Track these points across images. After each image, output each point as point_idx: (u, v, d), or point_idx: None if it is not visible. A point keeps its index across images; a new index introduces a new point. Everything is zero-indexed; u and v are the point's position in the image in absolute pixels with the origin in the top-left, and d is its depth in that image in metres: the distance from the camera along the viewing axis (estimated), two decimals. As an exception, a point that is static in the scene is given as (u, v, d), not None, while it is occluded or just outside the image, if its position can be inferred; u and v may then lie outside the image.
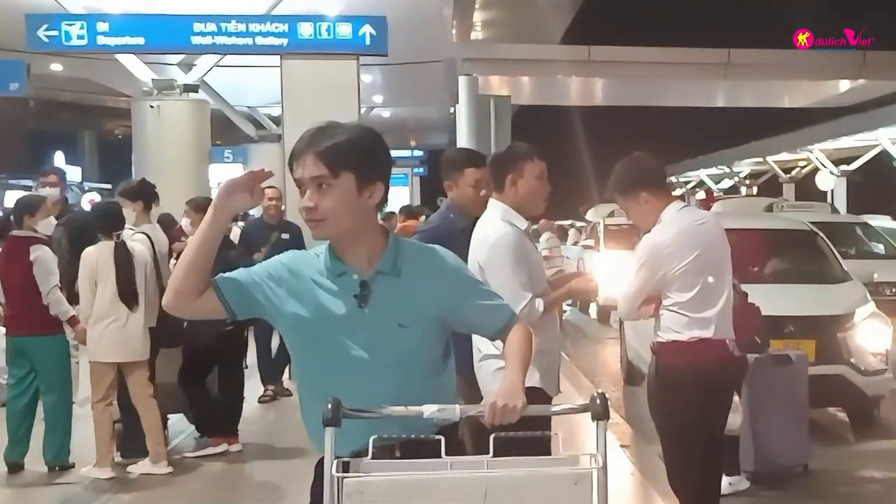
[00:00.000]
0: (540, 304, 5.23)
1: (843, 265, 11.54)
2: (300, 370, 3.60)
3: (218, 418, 9.50)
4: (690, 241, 5.68)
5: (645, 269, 5.76)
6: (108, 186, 28.36)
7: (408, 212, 16.88)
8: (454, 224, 5.95)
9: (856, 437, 10.60)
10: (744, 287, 9.78)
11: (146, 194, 9.52)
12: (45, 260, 8.72)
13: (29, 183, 30.52)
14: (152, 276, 8.74)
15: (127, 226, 8.92)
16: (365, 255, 3.42)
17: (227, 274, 3.50)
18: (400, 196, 34.95)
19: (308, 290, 3.43)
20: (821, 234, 12.04)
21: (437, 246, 3.63)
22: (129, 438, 8.88)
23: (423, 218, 14.57)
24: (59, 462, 8.80)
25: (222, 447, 9.28)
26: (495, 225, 5.31)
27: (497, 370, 5.33)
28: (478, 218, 5.72)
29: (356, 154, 3.35)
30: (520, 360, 3.48)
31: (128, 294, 8.46)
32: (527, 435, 3.25)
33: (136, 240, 8.79)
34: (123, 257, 8.47)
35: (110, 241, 8.49)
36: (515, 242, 5.24)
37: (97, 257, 8.48)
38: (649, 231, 5.87)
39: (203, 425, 9.54)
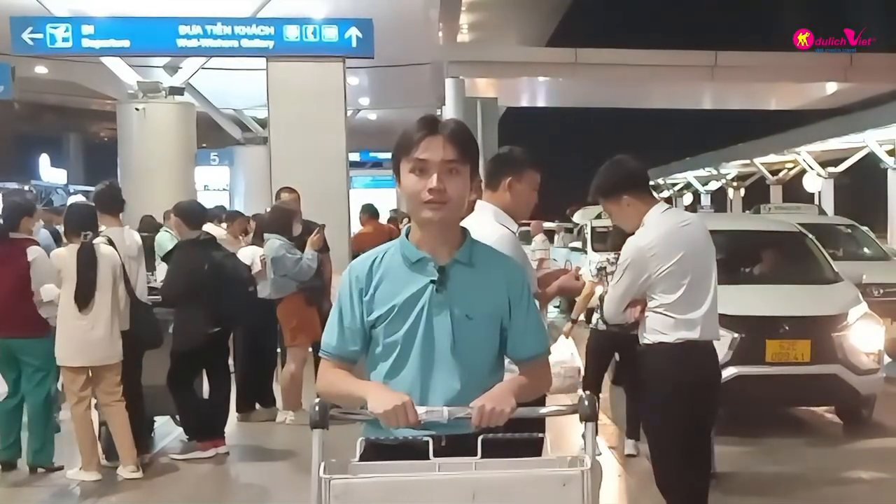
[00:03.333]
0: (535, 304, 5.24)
1: (833, 266, 11.68)
2: (372, 363, 3.61)
3: (206, 421, 9.48)
4: (675, 243, 5.69)
5: (630, 272, 5.78)
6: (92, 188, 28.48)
7: (370, 212, 16.51)
8: None
9: (846, 436, 10.66)
10: (740, 287, 10.29)
11: (102, 198, 9.36)
12: (43, 261, 8.73)
13: (15, 185, 30.50)
14: (121, 279, 8.70)
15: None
16: (447, 246, 3.50)
17: (332, 343, 3.59)
18: (387, 198, 34.91)
19: (383, 289, 3.50)
20: (810, 235, 12.17)
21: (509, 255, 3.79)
22: (111, 441, 8.86)
23: (405, 221, 14.48)
24: (39, 463, 8.81)
25: (211, 452, 9.26)
26: (491, 226, 5.27)
27: None
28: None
29: (475, 146, 3.50)
30: (520, 384, 3.51)
31: (81, 295, 8.38)
32: (515, 437, 3.26)
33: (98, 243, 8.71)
34: (85, 259, 8.41)
35: (77, 244, 8.46)
36: (514, 244, 5.24)
37: (66, 258, 8.46)
38: (633, 233, 5.89)
39: (191, 428, 9.51)
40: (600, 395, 9.44)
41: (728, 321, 9.58)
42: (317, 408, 3.22)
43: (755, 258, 11.80)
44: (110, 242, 8.75)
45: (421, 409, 3.28)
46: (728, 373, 9.56)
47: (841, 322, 10.20)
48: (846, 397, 10.44)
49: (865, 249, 17.12)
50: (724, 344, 9.57)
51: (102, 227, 8.97)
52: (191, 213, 9.72)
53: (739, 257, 11.55)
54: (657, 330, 5.76)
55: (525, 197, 5.41)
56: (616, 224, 6.29)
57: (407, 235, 3.56)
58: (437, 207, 3.38)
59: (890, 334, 11.37)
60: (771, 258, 11.94)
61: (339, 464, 3.16)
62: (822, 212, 23.17)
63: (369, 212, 16.38)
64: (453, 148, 3.38)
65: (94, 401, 8.73)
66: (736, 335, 9.78)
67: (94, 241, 8.56)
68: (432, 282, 3.45)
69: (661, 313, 5.73)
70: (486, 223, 5.26)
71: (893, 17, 31.48)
